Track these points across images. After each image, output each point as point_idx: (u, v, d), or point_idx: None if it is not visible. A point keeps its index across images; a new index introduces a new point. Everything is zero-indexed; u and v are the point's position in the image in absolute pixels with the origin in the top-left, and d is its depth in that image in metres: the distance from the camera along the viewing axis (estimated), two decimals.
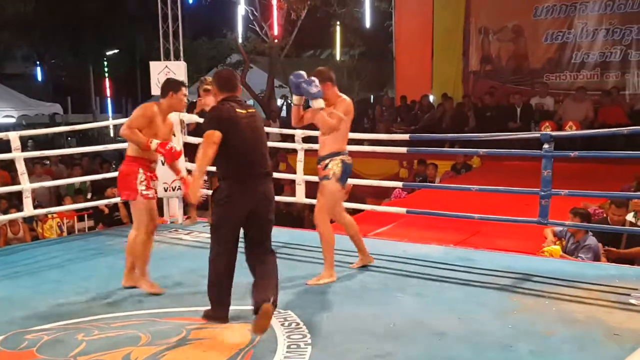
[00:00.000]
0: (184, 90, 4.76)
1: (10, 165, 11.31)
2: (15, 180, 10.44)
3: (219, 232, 3.96)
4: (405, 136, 6.98)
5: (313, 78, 4.68)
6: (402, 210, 6.26)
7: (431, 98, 14.67)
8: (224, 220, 3.94)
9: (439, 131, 11.06)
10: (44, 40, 24.56)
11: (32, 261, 5.73)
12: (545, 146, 5.18)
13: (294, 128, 5.84)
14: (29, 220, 7.97)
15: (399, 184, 7.17)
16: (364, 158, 10.16)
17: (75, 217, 8.73)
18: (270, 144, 10.08)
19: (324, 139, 4.90)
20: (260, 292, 3.74)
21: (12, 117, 17.43)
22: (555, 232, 6.04)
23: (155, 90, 7.34)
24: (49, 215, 8.20)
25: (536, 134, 5.78)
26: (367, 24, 17.86)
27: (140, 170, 4.68)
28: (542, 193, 5.18)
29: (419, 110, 13.91)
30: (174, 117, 6.94)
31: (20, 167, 6.11)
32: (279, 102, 19.87)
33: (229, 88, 4.09)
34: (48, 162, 12.61)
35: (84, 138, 21.74)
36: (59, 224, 8.47)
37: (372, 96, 22.25)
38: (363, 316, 4.11)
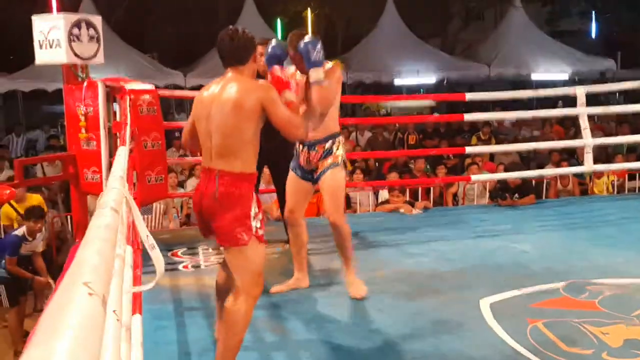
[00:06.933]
0: None
1: (561, 121, 11.73)
2: (567, 135, 10.85)
3: None
4: None
5: (316, 40, 3.42)
6: None
7: None
8: None
9: None
10: None
11: (586, 215, 5.85)
12: None
13: None
14: (579, 174, 8.10)
15: None
16: None
17: (626, 176, 8.49)
18: None
19: (317, 120, 3.61)
20: None
21: (565, 72, 17.98)
22: None
23: None
24: (604, 172, 8.14)
25: None
26: None
27: (254, 197, 2.85)
28: None
29: None
30: None
31: (584, 123, 6.21)
32: None
33: None
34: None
35: (632, 95, 20.76)
36: (612, 181, 8.36)
37: None
38: None
